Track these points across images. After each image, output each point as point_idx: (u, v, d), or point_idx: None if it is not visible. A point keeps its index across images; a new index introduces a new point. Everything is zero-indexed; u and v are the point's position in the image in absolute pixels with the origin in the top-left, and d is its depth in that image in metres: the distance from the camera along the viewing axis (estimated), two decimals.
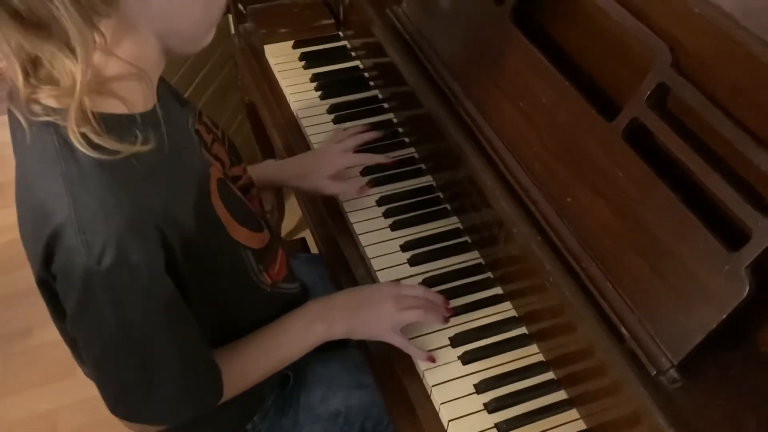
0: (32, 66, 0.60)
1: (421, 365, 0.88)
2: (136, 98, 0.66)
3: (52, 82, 0.60)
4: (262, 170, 1.06)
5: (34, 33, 0.57)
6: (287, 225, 1.94)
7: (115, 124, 0.63)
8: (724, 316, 0.67)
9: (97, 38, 0.59)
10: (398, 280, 0.96)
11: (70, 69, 0.58)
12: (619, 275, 0.77)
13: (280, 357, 0.87)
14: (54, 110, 0.61)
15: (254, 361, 0.85)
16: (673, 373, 0.71)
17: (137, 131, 0.63)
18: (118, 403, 0.73)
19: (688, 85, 0.74)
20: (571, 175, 0.84)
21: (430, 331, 0.91)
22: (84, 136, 0.60)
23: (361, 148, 1.14)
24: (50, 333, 1.93)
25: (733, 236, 0.69)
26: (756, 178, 0.72)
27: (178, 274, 0.69)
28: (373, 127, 1.20)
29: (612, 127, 0.80)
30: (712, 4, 0.73)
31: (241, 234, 0.79)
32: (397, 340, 0.88)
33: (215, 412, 0.84)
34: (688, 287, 0.71)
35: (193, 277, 0.71)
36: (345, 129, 1.17)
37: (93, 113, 0.60)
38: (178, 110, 0.79)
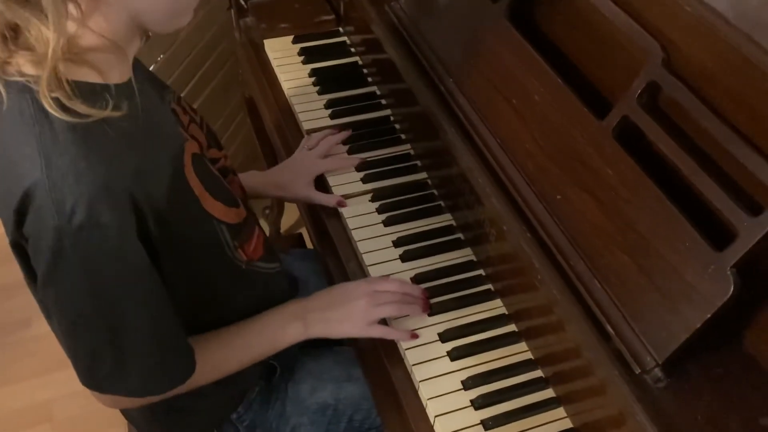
0: (12, 33, 0.63)
1: (410, 359, 0.88)
2: (111, 70, 0.68)
3: (29, 48, 0.62)
4: (244, 180, 1.07)
5: None
6: (286, 221, 1.95)
7: (88, 92, 0.64)
8: (709, 316, 0.67)
9: (72, 9, 0.62)
10: (388, 276, 0.97)
11: (45, 36, 0.60)
12: (606, 274, 0.77)
13: (255, 353, 0.88)
14: (31, 76, 0.63)
15: (230, 355, 0.86)
16: (657, 372, 0.71)
17: (109, 99, 0.65)
18: (90, 373, 0.73)
19: (679, 84, 0.74)
20: (562, 173, 0.84)
21: (418, 327, 0.91)
22: (56, 99, 0.61)
23: (354, 144, 1.14)
24: None
25: (720, 236, 0.69)
26: (744, 178, 0.71)
27: (152, 244, 0.70)
28: (370, 123, 1.21)
29: (603, 126, 0.80)
30: (705, 4, 0.73)
31: (215, 208, 0.80)
32: (376, 332, 0.89)
33: (197, 402, 0.84)
34: (674, 286, 0.70)
35: (167, 249, 0.72)
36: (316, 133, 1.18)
37: (67, 80, 0.62)
38: (154, 89, 0.80)
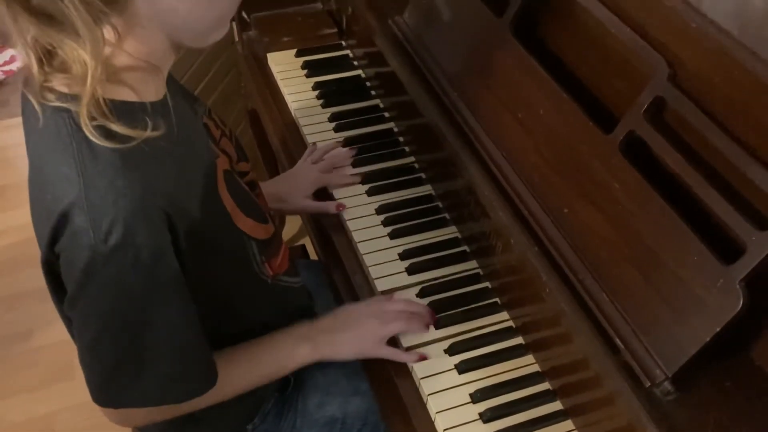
0: (48, 55, 0.63)
1: (418, 373, 0.88)
2: (147, 88, 0.68)
3: (65, 70, 0.62)
4: None
5: (48, 24, 0.60)
6: (288, 232, 1.95)
7: (125, 111, 0.65)
8: (718, 329, 0.67)
9: (107, 34, 0.62)
10: (394, 289, 0.97)
11: (82, 58, 0.60)
12: (614, 287, 0.77)
13: (266, 371, 0.88)
14: (67, 96, 0.63)
15: (241, 372, 0.86)
16: (667, 385, 0.71)
17: (147, 118, 0.65)
18: (105, 386, 0.73)
19: (685, 99, 0.75)
20: (569, 187, 0.84)
21: (426, 341, 0.92)
22: (96, 127, 0.62)
23: (358, 157, 1.15)
24: (50, 336, 1.93)
25: (728, 250, 0.69)
26: (751, 193, 0.72)
27: (181, 260, 0.70)
28: (374, 135, 1.22)
29: (609, 140, 0.81)
30: (709, 20, 0.74)
31: (246, 224, 0.80)
32: (385, 353, 0.90)
33: (214, 412, 0.84)
34: (683, 299, 0.71)
35: (195, 265, 0.72)
36: (318, 145, 1.19)
37: (104, 100, 0.62)
38: (187, 103, 0.81)
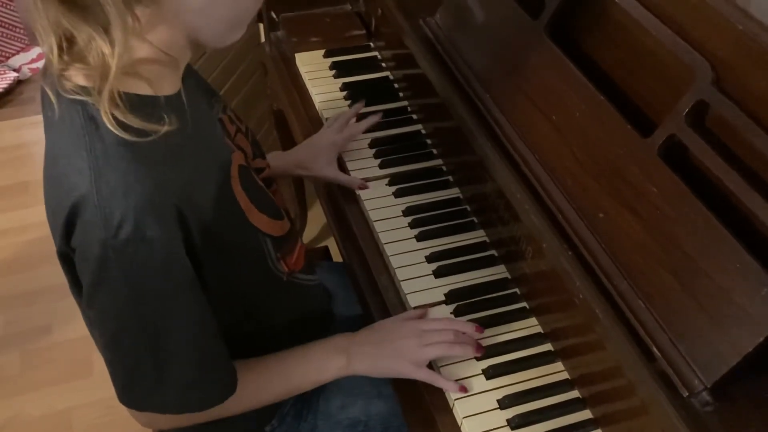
0: (67, 43, 0.63)
1: (445, 377, 0.86)
2: (162, 81, 0.68)
3: (84, 60, 0.62)
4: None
5: (73, 11, 0.59)
6: (310, 233, 1.94)
7: (139, 104, 0.64)
8: (761, 339, 0.65)
9: (131, 22, 0.61)
10: (421, 292, 0.96)
11: (101, 50, 0.60)
12: (650, 294, 0.75)
13: (295, 383, 0.86)
14: (82, 88, 0.63)
15: (269, 382, 0.84)
16: (705, 395, 0.69)
17: (161, 112, 0.65)
18: (128, 388, 0.72)
19: (729, 103, 0.73)
20: (604, 191, 0.83)
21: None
22: (114, 117, 0.61)
23: (386, 159, 1.14)
24: (70, 331, 1.93)
25: None
26: None
27: (196, 257, 0.69)
28: (402, 137, 1.21)
29: (648, 144, 0.79)
30: (757, 21, 0.72)
31: (260, 220, 0.79)
32: (423, 375, 0.86)
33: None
34: (723, 308, 0.69)
35: (210, 262, 0.71)
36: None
37: (118, 92, 0.62)
38: (204, 98, 0.80)
